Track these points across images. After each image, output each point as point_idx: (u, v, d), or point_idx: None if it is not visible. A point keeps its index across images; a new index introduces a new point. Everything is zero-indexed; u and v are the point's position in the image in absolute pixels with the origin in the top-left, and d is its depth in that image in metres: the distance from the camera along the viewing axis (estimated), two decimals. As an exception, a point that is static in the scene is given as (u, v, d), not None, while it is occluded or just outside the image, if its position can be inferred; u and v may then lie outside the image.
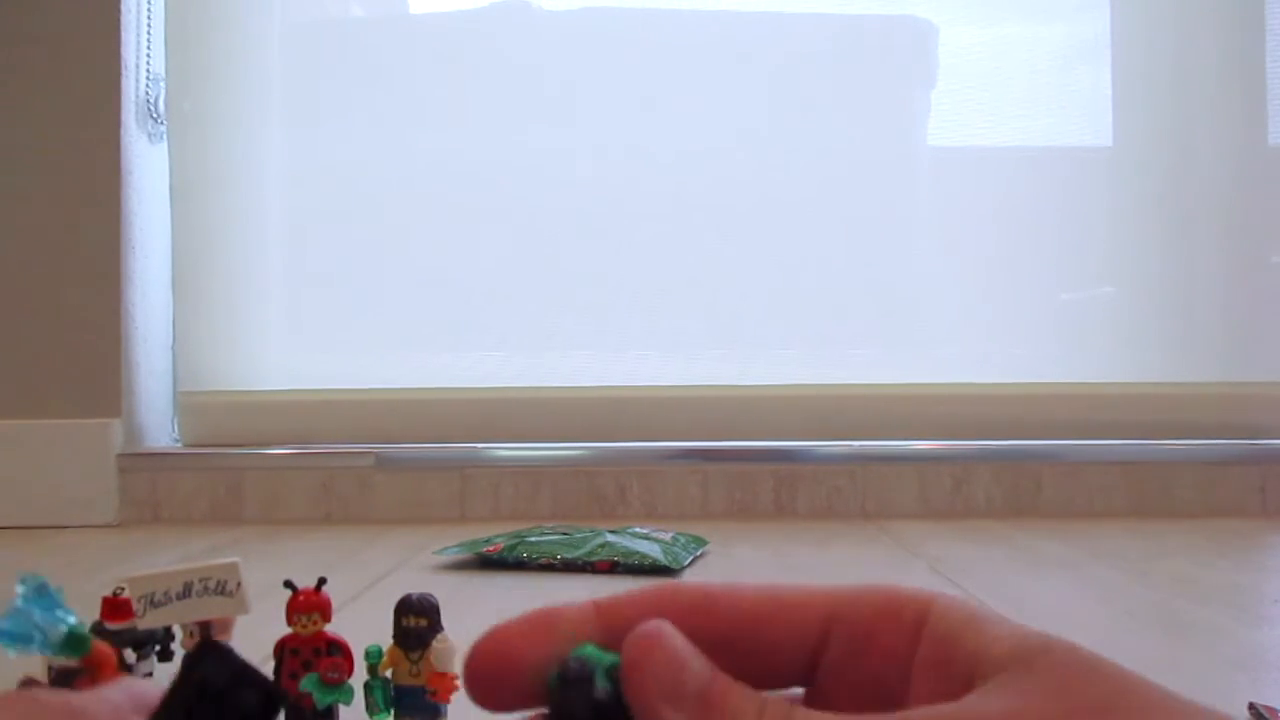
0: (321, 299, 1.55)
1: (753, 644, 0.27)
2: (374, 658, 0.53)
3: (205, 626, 0.50)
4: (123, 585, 0.50)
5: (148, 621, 0.48)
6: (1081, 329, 1.51)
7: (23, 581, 0.36)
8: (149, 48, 1.48)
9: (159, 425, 1.50)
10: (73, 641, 0.36)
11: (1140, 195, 1.50)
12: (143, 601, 0.48)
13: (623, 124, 1.52)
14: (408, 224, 1.53)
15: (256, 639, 0.55)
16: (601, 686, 0.25)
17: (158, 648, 0.55)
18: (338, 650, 0.51)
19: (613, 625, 0.27)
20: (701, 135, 1.52)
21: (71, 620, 0.36)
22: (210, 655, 0.31)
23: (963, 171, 1.54)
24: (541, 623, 0.27)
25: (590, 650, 0.26)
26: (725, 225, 1.51)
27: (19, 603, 0.35)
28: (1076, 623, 0.80)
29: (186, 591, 0.48)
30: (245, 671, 0.30)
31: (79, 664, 0.37)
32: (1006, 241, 1.51)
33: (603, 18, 1.54)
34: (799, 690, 0.28)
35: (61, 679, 0.38)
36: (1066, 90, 1.51)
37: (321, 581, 0.53)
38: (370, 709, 0.53)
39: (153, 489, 1.42)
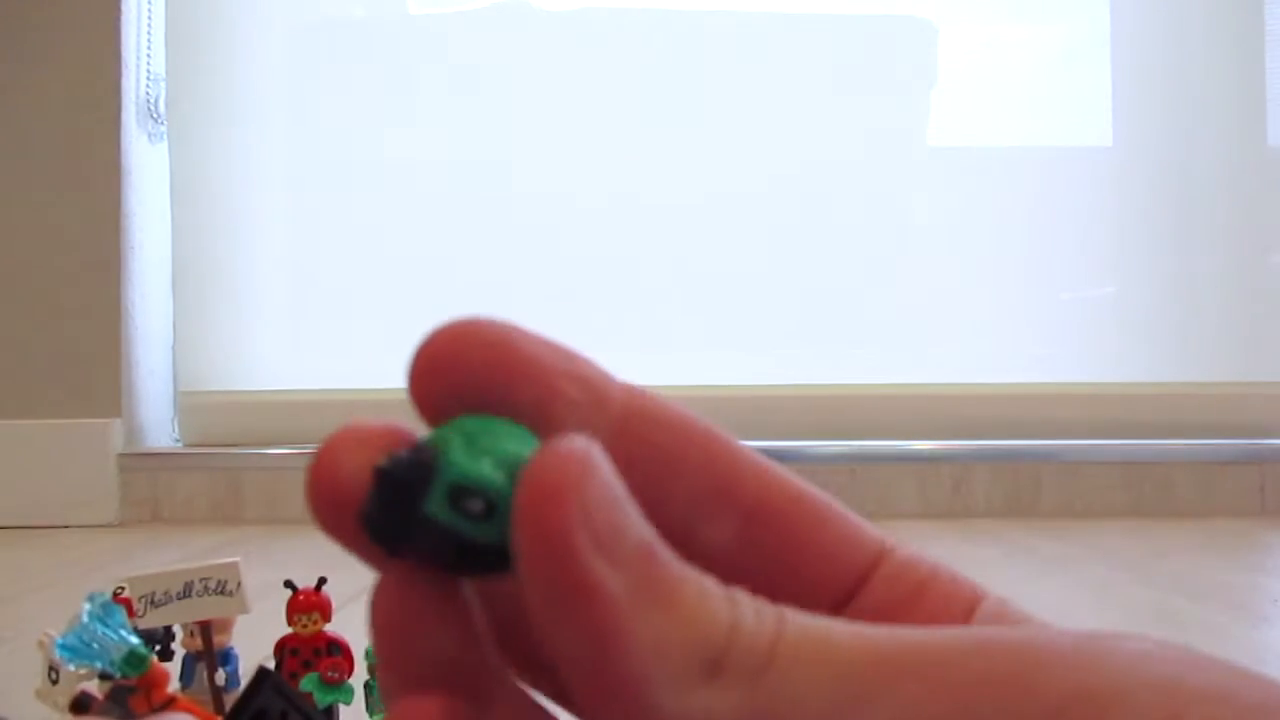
0: (322, 299, 1.55)
1: (805, 547, 0.19)
2: (374, 658, 0.53)
3: (205, 626, 0.50)
4: (123, 585, 0.50)
5: (148, 621, 0.49)
6: (1082, 329, 1.51)
7: (89, 599, 0.37)
8: (149, 48, 1.48)
9: (159, 425, 1.50)
10: (133, 660, 0.37)
11: (1140, 195, 1.50)
12: (143, 601, 0.48)
13: (622, 124, 1.52)
14: (408, 223, 1.53)
15: (256, 639, 0.55)
16: (440, 512, 0.13)
17: (157, 647, 0.55)
18: (338, 650, 0.51)
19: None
20: (701, 135, 1.51)
21: (134, 640, 0.37)
22: (265, 684, 0.34)
23: (963, 171, 1.54)
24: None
25: (464, 427, 0.13)
26: (725, 225, 1.51)
27: (84, 619, 0.36)
28: (1076, 623, 0.80)
29: (186, 591, 0.48)
30: (294, 700, 0.33)
31: (134, 682, 0.38)
32: (1007, 241, 1.51)
33: (603, 18, 1.54)
34: None
35: (116, 696, 0.39)
36: (1066, 90, 1.51)
37: (321, 581, 0.53)
38: (370, 709, 0.53)
39: (153, 489, 1.42)
